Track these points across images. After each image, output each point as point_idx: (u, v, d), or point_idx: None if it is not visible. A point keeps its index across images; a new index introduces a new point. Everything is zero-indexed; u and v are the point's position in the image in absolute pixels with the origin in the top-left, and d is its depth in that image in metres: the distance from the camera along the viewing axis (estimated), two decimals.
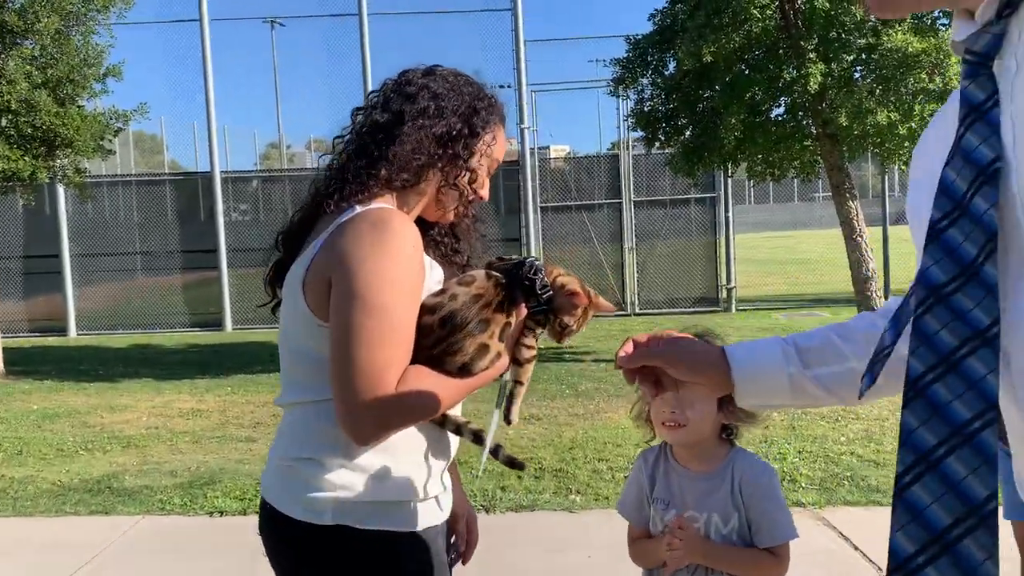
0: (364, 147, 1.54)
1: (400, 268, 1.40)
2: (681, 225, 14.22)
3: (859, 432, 5.60)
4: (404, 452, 1.47)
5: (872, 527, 3.99)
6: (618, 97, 10.53)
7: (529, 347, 1.56)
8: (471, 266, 1.70)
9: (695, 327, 1.89)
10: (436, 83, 1.57)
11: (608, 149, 16.61)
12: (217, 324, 13.73)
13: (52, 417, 7.03)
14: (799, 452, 5.18)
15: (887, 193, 14.37)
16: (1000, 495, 0.79)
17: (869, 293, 8.58)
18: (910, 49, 7.61)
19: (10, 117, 8.58)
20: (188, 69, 14.31)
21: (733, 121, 8.10)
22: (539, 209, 13.82)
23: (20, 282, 14.00)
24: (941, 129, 0.99)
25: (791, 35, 8.19)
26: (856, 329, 1.28)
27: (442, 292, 1.49)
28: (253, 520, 1.57)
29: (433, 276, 1.52)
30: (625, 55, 9.24)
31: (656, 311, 13.69)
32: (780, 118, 8.69)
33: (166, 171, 20.76)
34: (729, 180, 13.28)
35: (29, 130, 8.69)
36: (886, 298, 10.78)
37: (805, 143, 8.59)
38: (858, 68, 8.29)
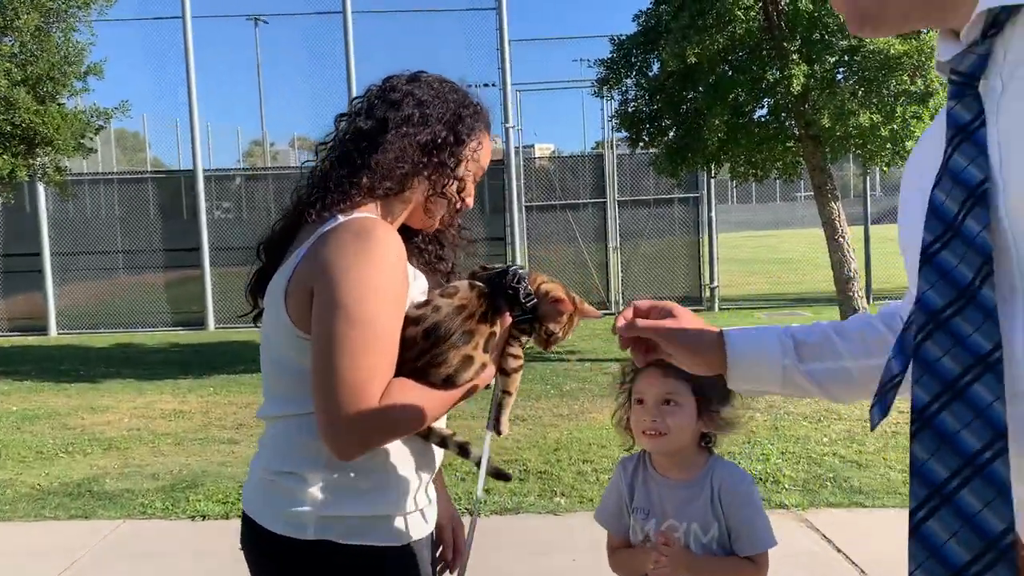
0: (347, 155, 1.52)
1: (383, 278, 1.39)
2: (665, 225, 14.27)
3: (841, 432, 5.63)
4: (388, 466, 1.46)
5: (854, 529, 4.02)
6: (602, 98, 10.53)
7: (515, 356, 1.55)
8: (455, 274, 1.69)
9: None
10: (421, 90, 1.55)
11: (592, 148, 16.63)
12: (200, 323, 13.65)
13: (32, 418, 6.96)
14: (782, 453, 5.20)
15: (868, 193, 14.46)
16: None
17: (851, 293, 8.63)
18: (892, 51, 7.66)
19: None
20: (170, 66, 14.22)
21: (716, 122, 8.13)
22: (524, 208, 13.81)
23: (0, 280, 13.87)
24: (929, 150, 1.00)
25: (774, 36, 8.22)
26: (852, 329, 1.30)
27: (425, 304, 1.48)
28: (236, 524, 1.56)
29: (417, 285, 1.51)
30: (609, 55, 9.25)
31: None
32: (763, 119, 8.72)
33: (148, 169, 20.60)
34: (712, 180, 13.33)
35: (8, 128, 8.61)
36: (868, 298, 10.85)
37: (788, 144, 8.63)
38: (841, 70, 8.33)
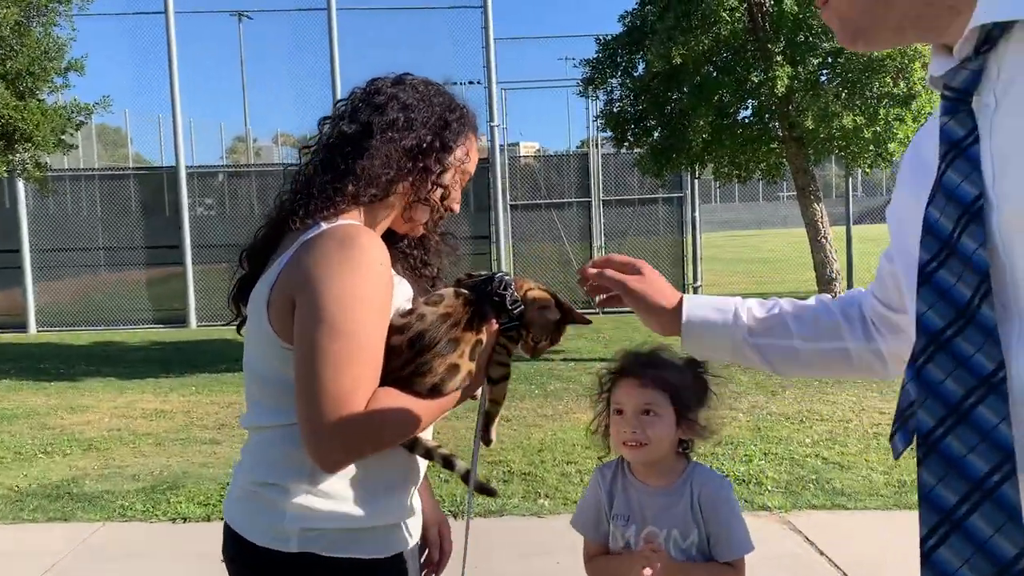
0: (331, 160, 1.50)
1: (368, 286, 1.37)
2: (649, 224, 14.31)
3: (823, 434, 5.66)
4: (372, 477, 1.44)
5: (836, 531, 4.04)
6: (587, 97, 10.55)
7: (502, 365, 1.53)
8: (441, 281, 1.68)
9: (648, 342, 1.89)
10: (406, 93, 1.53)
11: (577, 147, 16.65)
12: (181, 321, 13.55)
13: (10, 418, 6.88)
14: (764, 454, 5.22)
15: (851, 194, 14.56)
16: None
17: (834, 293, 8.68)
18: (875, 54, 7.70)
19: None
20: (153, 61, 14.07)
21: (701, 123, 8.15)
22: (508, 207, 13.80)
23: None
24: (918, 169, 1.00)
25: (759, 38, 8.25)
26: (808, 311, 1.39)
27: (410, 312, 1.46)
28: (217, 526, 1.54)
29: (400, 292, 1.49)
30: (595, 55, 9.26)
31: (624, 308, 13.72)
32: (747, 120, 8.76)
33: (130, 165, 20.44)
34: (696, 181, 13.37)
35: None
36: None
37: (772, 145, 8.68)
38: (824, 72, 8.38)
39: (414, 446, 1.50)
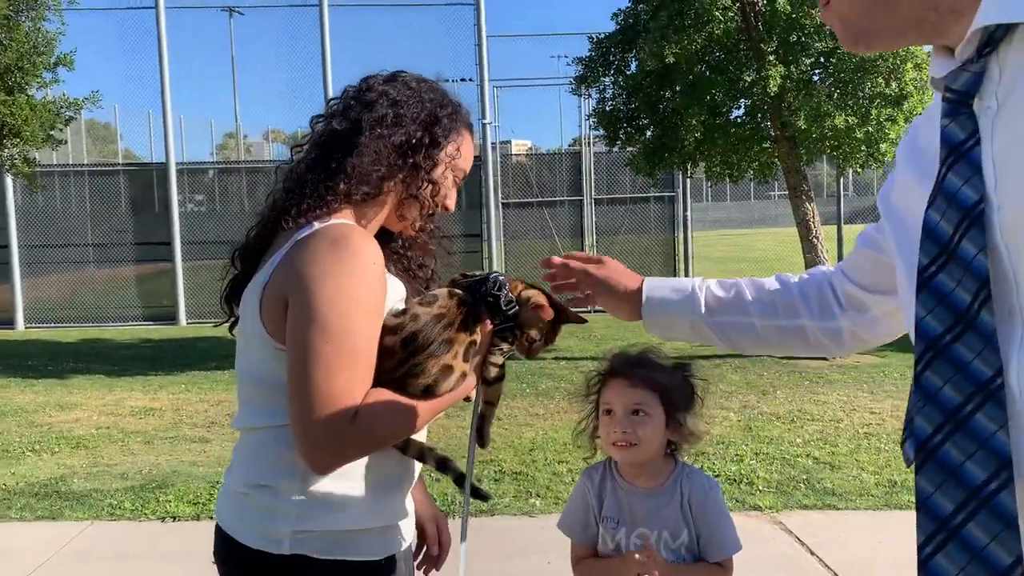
0: (322, 159, 1.49)
1: (361, 287, 1.35)
2: (640, 222, 14.32)
3: (814, 433, 5.67)
4: (365, 479, 1.43)
5: (827, 532, 4.04)
6: (580, 95, 10.54)
7: (496, 366, 1.52)
8: (435, 281, 1.66)
9: (638, 343, 1.88)
10: (396, 90, 1.52)
11: (570, 145, 16.65)
12: (171, 318, 13.49)
13: None
14: (756, 454, 5.22)
15: (842, 193, 14.61)
16: None
17: None
18: (867, 54, 7.71)
19: None
20: (143, 57, 13.97)
21: (694, 122, 8.16)
22: (500, 205, 13.79)
23: None
24: (916, 155, 0.99)
25: (751, 38, 8.26)
26: (766, 289, 1.45)
27: (403, 312, 1.44)
28: (207, 525, 1.53)
29: (394, 292, 1.47)
30: (588, 54, 9.25)
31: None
32: (740, 120, 8.77)
33: (120, 161, 20.33)
34: (688, 179, 13.39)
35: None
36: None
37: (764, 145, 8.68)
38: (817, 72, 8.39)
39: (407, 447, 1.49)
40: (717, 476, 4.75)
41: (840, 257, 13.29)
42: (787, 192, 9.09)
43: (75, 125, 15.43)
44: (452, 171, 1.56)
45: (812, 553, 3.80)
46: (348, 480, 1.41)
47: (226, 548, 1.45)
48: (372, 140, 1.46)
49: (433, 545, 1.74)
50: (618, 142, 9.42)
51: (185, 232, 13.53)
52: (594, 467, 1.92)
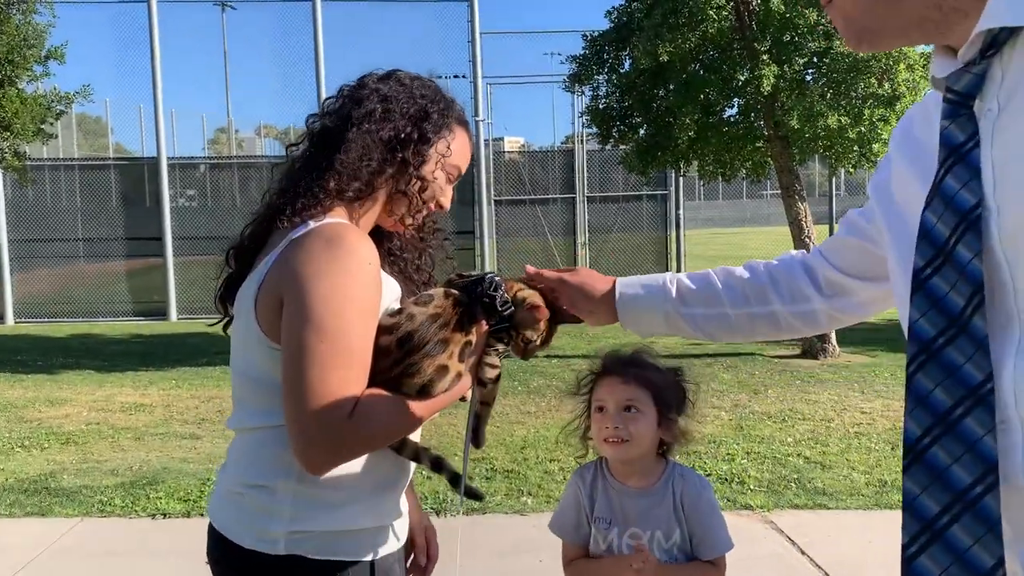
0: (313, 156, 1.48)
1: (356, 286, 1.35)
2: (633, 220, 14.34)
3: (805, 433, 5.69)
4: (359, 479, 1.42)
5: (818, 531, 4.05)
6: (573, 92, 10.54)
7: (492, 366, 1.51)
8: (432, 282, 1.66)
9: (630, 344, 1.88)
10: (388, 86, 1.51)
11: (562, 143, 16.65)
12: (162, 313, 13.44)
13: None
14: (747, 453, 5.24)
15: (834, 193, 14.66)
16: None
17: None
18: (860, 54, 7.73)
19: None
20: (135, 50, 13.91)
21: (687, 121, 8.16)
22: (493, 202, 13.78)
23: None
24: (912, 145, 0.99)
25: (745, 37, 8.26)
26: (737, 278, 1.49)
27: (399, 312, 1.44)
28: (197, 523, 1.52)
29: (389, 291, 1.47)
30: (582, 52, 9.25)
31: None
32: (733, 119, 8.78)
33: (111, 155, 20.23)
34: (681, 178, 13.41)
35: None
36: None
37: (757, 144, 8.69)
38: (810, 71, 8.40)
39: (402, 448, 1.48)
40: (708, 475, 4.76)
41: None
42: (779, 191, 9.10)
43: (66, 119, 15.35)
44: (444, 169, 1.54)
45: (803, 552, 3.82)
46: (343, 480, 1.40)
47: (220, 548, 1.45)
48: (359, 135, 1.45)
49: (421, 555, 1.73)
50: (611, 140, 9.41)
51: (176, 227, 13.48)
52: (585, 467, 1.92)
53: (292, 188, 1.47)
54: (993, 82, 0.85)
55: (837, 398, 6.71)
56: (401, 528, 1.53)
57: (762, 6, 8.09)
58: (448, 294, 1.47)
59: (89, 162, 16.37)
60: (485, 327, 1.48)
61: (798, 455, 5.18)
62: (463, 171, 1.60)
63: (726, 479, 4.75)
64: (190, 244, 13.50)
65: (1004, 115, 0.83)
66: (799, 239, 8.73)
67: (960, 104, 0.87)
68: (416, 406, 1.40)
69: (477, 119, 13.20)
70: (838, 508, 4.34)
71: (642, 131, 9.18)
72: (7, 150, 9.23)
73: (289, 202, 1.45)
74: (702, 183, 15.22)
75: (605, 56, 9.15)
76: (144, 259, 14.09)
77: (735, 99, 8.68)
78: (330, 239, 1.36)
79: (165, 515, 4.38)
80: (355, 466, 1.41)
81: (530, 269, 1.57)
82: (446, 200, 1.58)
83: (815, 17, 7.82)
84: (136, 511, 4.45)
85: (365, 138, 1.44)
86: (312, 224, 1.40)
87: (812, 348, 8.55)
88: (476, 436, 1.55)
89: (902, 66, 7.84)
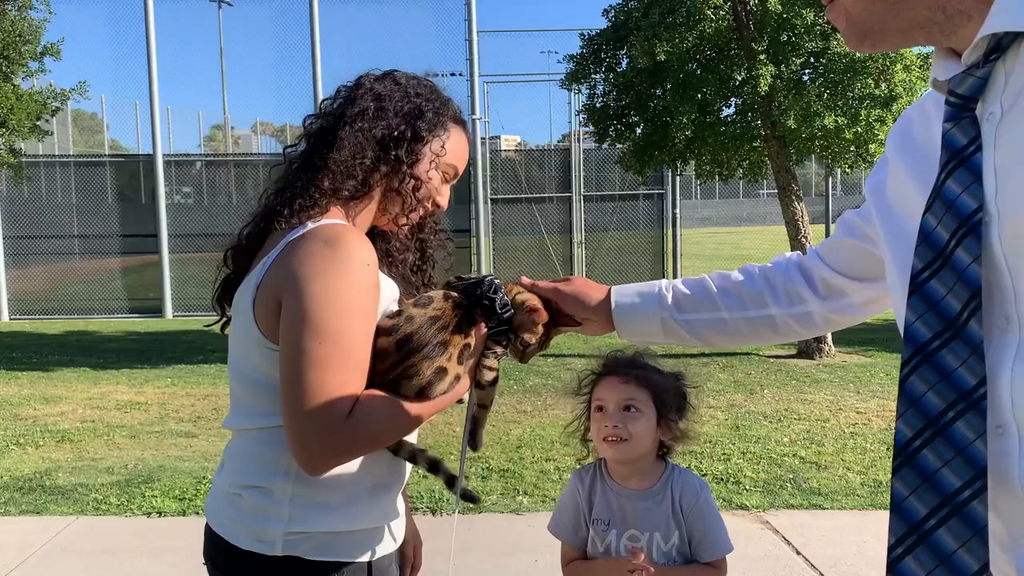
0: (309, 156, 1.48)
1: (354, 288, 1.34)
2: (629, 220, 14.35)
3: (801, 433, 5.69)
4: (356, 480, 1.42)
5: (813, 531, 4.06)
6: (570, 90, 10.54)
7: (491, 369, 1.51)
8: (431, 283, 1.65)
9: (626, 348, 1.89)
10: (383, 85, 1.50)
11: (559, 141, 16.64)
12: (157, 311, 13.42)
13: None
14: (743, 453, 5.24)
15: (830, 192, 14.67)
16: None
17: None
18: (857, 55, 7.74)
19: None
20: (131, 47, 13.89)
21: (684, 120, 8.16)
22: (489, 200, 13.78)
23: None
24: (910, 147, 0.99)
25: (743, 37, 8.27)
26: (732, 282, 1.47)
27: (398, 314, 1.43)
28: (193, 521, 1.52)
29: (387, 293, 1.46)
30: (579, 50, 9.24)
31: None
32: (730, 118, 8.78)
33: (106, 152, 20.18)
34: (678, 177, 13.41)
35: None
36: None
37: (754, 144, 8.70)
38: (807, 72, 8.40)
39: (399, 449, 1.48)
40: (704, 475, 4.77)
41: None
42: (776, 191, 9.11)
43: (61, 115, 15.31)
44: (440, 168, 1.53)
45: (798, 553, 3.82)
46: (340, 481, 1.40)
47: (217, 549, 1.44)
48: (352, 133, 1.44)
49: (407, 567, 1.74)
50: (608, 139, 9.41)
51: (172, 224, 13.46)
52: (584, 469, 1.92)
53: (289, 189, 1.47)
54: (996, 86, 0.84)
55: (833, 398, 6.72)
56: (398, 529, 1.53)
57: (759, 6, 8.09)
58: (447, 296, 1.46)
59: (84, 159, 16.33)
60: (484, 329, 1.47)
61: (794, 455, 5.19)
62: (460, 171, 1.59)
63: (722, 479, 4.75)
64: (186, 241, 13.48)
65: (1007, 119, 0.83)
66: (795, 239, 8.74)
67: (962, 107, 0.86)
68: (414, 408, 1.39)
69: (474, 117, 13.19)
70: (833, 508, 4.34)
71: (639, 130, 9.18)
72: (2, 146, 9.20)
73: (286, 203, 1.44)
74: (699, 182, 15.24)
75: (602, 55, 9.15)
76: (140, 256, 14.08)
77: (732, 99, 8.68)
78: (329, 240, 1.36)
79: (161, 513, 4.37)
80: (352, 467, 1.41)
81: (525, 281, 1.56)
82: (443, 200, 1.58)
83: (812, 17, 7.82)
84: (131, 509, 4.44)
85: (358, 136, 1.44)
86: (310, 225, 1.40)
87: (808, 348, 8.56)
88: (473, 438, 1.55)
89: (899, 67, 7.85)
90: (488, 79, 14.04)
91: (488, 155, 13.97)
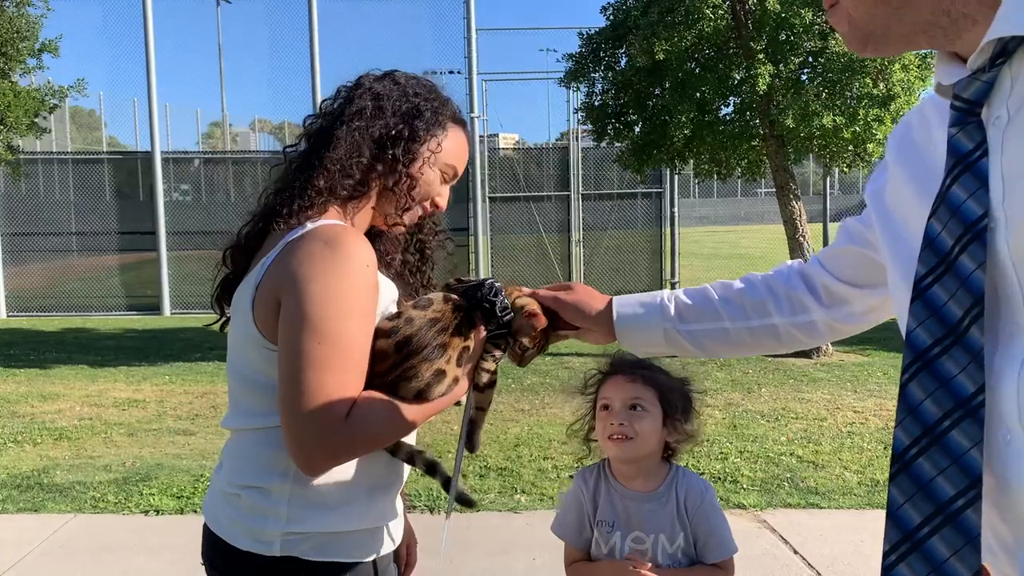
0: (307, 156, 1.48)
1: (353, 289, 1.34)
2: (628, 218, 14.34)
3: (798, 432, 5.70)
4: (355, 481, 1.42)
5: (810, 530, 4.07)
6: (569, 88, 10.53)
7: (488, 371, 1.51)
8: (431, 285, 1.65)
9: (611, 355, 1.89)
10: (382, 85, 1.50)
11: (557, 139, 16.63)
12: (155, 308, 13.41)
13: None
14: (740, 452, 5.25)
15: (828, 192, 14.67)
16: None
17: None
18: (854, 55, 7.73)
19: None
20: (129, 44, 13.86)
21: (683, 119, 8.16)
22: (487, 199, 13.77)
23: None
24: (910, 152, 0.98)
25: (741, 36, 8.27)
26: (735, 291, 1.46)
27: (397, 316, 1.44)
28: (191, 520, 1.53)
29: (386, 294, 1.46)
30: (578, 49, 9.24)
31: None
32: (728, 117, 8.78)
33: (104, 149, 20.15)
34: (676, 176, 13.41)
35: None
36: None
37: (752, 143, 8.70)
38: (805, 71, 8.41)
39: (397, 450, 1.48)
40: (702, 474, 4.78)
41: None
42: (774, 190, 9.12)
43: (59, 112, 15.29)
44: (437, 167, 1.53)
45: (795, 552, 3.83)
46: (338, 482, 1.40)
47: (215, 549, 1.45)
48: (348, 132, 1.44)
49: (400, 565, 1.74)
50: (606, 137, 9.42)
51: (170, 222, 13.45)
52: (588, 469, 1.91)
53: (288, 189, 1.47)
54: (1002, 90, 0.84)
55: (830, 397, 6.73)
56: (396, 529, 1.53)
57: (758, 5, 8.09)
58: (447, 299, 1.46)
59: (82, 156, 16.30)
60: (483, 332, 1.47)
61: (791, 454, 5.20)
62: (460, 171, 1.59)
63: (719, 478, 4.76)
64: (184, 239, 13.47)
65: (1014, 124, 0.82)
66: (793, 237, 8.74)
67: (968, 112, 0.86)
68: (412, 410, 1.39)
69: (472, 115, 13.18)
70: (831, 507, 4.35)
71: (637, 129, 9.18)
72: (0, 143, 9.18)
73: (285, 203, 1.44)
74: (697, 181, 15.26)
75: (601, 54, 9.15)
76: (137, 253, 14.07)
77: (731, 98, 8.68)
78: (328, 241, 1.36)
79: (158, 511, 4.37)
80: (350, 468, 1.41)
81: (524, 290, 1.55)
82: (442, 200, 1.58)
83: (811, 17, 7.83)
84: (129, 507, 4.44)
85: (355, 135, 1.44)
86: (309, 226, 1.40)
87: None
88: (470, 440, 1.55)
89: (897, 66, 7.85)
90: (486, 77, 14.04)
91: (486, 153, 13.96)
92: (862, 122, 7.87)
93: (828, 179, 14.66)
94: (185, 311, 13.01)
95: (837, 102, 7.95)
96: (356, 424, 1.32)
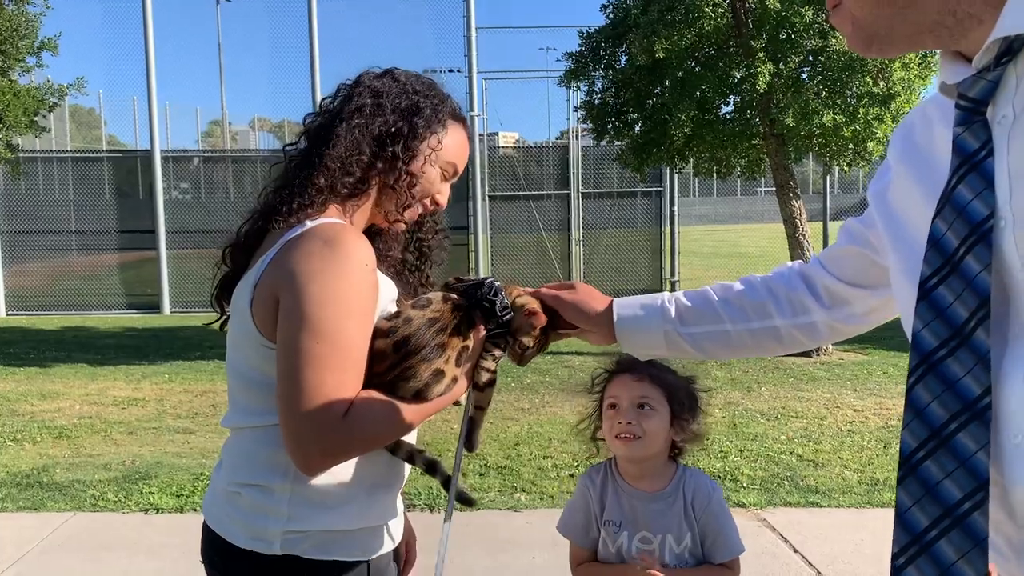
0: (307, 154, 1.48)
1: (352, 288, 1.34)
2: (627, 217, 14.34)
3: (798, 430, 5.70)
4: (355, 479, 1.42)
5: (811, 529, 4.07)
6: (569, 88, 10.53)
7: (488, 371, 1.51)
8: (430, 284, 1.65)
9: (618, 354, 1.88)
10: (381, 82, 1.50)
11: (557, 138, 16.62)
12: (154, 307, 13.40)
13: None
14: (740, 451, 5.25)
15: (828, 190, 14.66)
16: None
17: None
18: (854, 53, 7.72)
19: None
20: (129, 43, 13.85)
21: (683, 118, 8.16)
22: (487, 197, 13.77)
23: None
24: (913, 154, 0.98)
25: (741, 34, 8.26)
26: (735, 293, 1.46)
27: (396, 315, 1.43)
28: (191, 518, 1.53)
29: (386, 293, 1.46)
30: (578, 48, 9.24)
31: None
32: (729, 116, 8.77)
33: (104, 147, 20.15)
34: (676, 175, 13.41)
35: None
36: None
37: (752, 142, 8.70)
38: (805, 69, 8.40)
39: (397, 449, 1.48)
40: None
41: None
42: (774, 188, 9.11)
43: (59, 111, 15.29)
44: (437, 165, 1.52)
45: (795, 551, 3.83)
46: (339, 480, 1.40)
47: (214, 547, 1.44)
48: (348, 130, 1.44)
49: (399, 562, 1.74)
50: (606, 136, 9.41)
51: (169, 220, 13.44)
52: (594, 469, 1.91)
53: (287, 187, 1.46)
54: (1007, 89, 0.83)
55: (830, 396, 6.73)
56: (396, 528, 1.53)
57: (758, 4, 8.09)
58: (447, 298, 1.46)
59: (82, 154, 16.30)
60: (483, 332, 1.47)
61: (791, 453, 5.20)
62: (460, 168, 1.59)
63: (719, 476, 4.76)
64: (183, 237, 13.47)
65: (1020, 123, 0.81)
66: (793, 236, 8.74)
67: (973, 111, 0.85)
68: (411, 409, 1.39)
69: (472, 114, 13.18)
70: (831, 506, 4.35)
71: (637, 127, 9.18)
72: (0, 142, 9.17)
73: (285, 201, 1.44)
74: (696, 180, 15.25)
75: (601, 52, 9.14)
76: (137, 252, 14.06)
77: (731, 96, 8.68)
78: (328, 240, 1.36)
79: (158, 510, 4.37)
80: (350, 467, 1.41)
81: (526, 289, 1.55)
82: (442, 198, 1.57)
83: (811, 15, 7.82)
84: (129, 506, 4.44)
85: (355, 133, 1.44)
86: (309, 224, 1.40)
87: None
88: (469, 439, 1.55)
89: (897, 65, 7.84)
90: (486, 76, 14.03)
91: (486, 152, 13.95)
92: (862, 121, 7.87)
93: (828, 178, 14.65)
94: (185, 310, 13.01)
95: (837, 101, 7.95)
96: (354, 423, 1.32)
